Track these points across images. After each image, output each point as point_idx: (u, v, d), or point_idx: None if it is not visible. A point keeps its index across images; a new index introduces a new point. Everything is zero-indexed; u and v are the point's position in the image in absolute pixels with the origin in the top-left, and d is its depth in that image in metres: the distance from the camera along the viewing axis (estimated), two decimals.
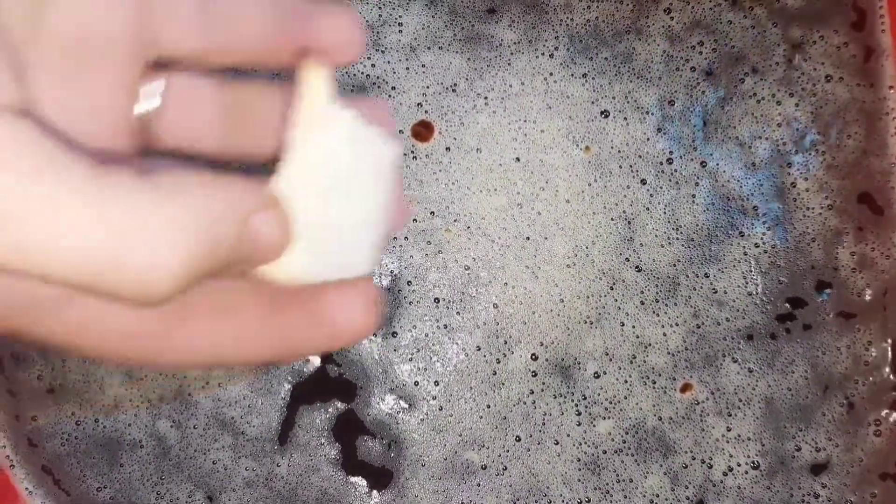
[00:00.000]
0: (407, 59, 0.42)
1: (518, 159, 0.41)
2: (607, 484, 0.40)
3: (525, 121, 0.42)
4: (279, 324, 0.29)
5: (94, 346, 0.27)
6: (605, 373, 0.40)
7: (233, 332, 0.29)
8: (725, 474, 0.40)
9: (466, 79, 0.42)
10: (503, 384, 0.41)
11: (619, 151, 0.42)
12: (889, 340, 0.41)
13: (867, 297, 0.41)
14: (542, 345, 0.40)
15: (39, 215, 0.21)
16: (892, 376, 0.41)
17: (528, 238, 0.41)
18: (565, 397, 0.40)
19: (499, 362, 0.41)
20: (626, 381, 0.40)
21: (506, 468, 0.40)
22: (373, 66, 0.42)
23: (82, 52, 0.27)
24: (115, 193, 0.22)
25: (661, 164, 0.42)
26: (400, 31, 0.42)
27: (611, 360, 0.40)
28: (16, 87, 0.26)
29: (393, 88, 0.42)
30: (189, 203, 0.23)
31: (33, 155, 0.21)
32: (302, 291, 0.29)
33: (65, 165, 0.21)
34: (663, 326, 0.41)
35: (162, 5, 0.27)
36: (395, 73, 0.42)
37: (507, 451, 0.41)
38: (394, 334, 0.41)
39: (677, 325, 0.41)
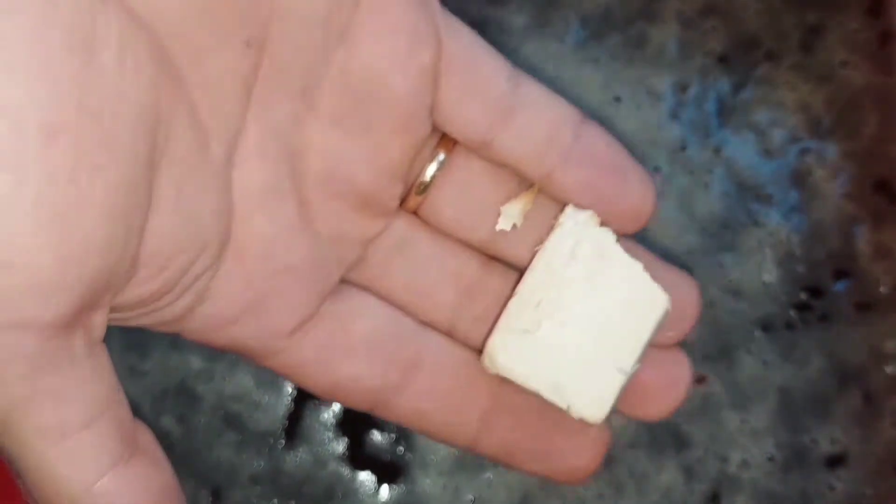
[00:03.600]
0: None
1: None
2: (620, 478, 0.39)
3: None
4: (499, 424, 0.30)
5: (321, 391, 0.30)
6: None
7: (449, 411, 0.30)
8: (740, 468, 0.40)
9: None
10: None
11: (632, 138, 0.41)
12: None
13: (885, 287, 0.41)
14: None
15: None
16: None
17: None
18: None
19: None
20: None
21: None
22: None
23: (365, 105, 0.27)
24: None
25: (675, 151, 0.41)
26: None
27: None
28: (292, 125, 0.27)
29: None
30: None
31: None
32: (535, 405, 0.30)
33: None
34: None
35: (462, 82, 0.28)
36: None
37: None
38: None
39: None
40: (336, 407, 0.41)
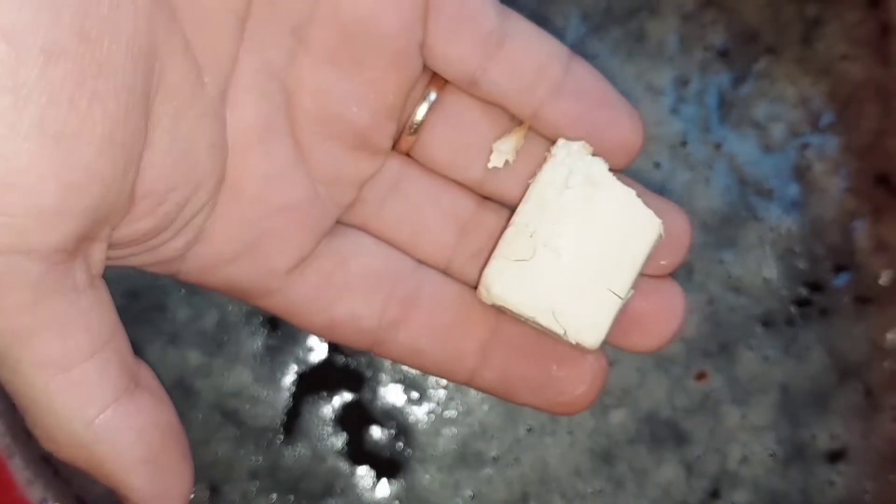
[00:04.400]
0: None
1: None
2: (620, 474, 0.39)
3: None
4: (497, 355, 0.30)
5: (318, 329, 0.30)
6: (618, 361, 0.40)
7: (447, 346, 0.30)
8: (741, 463, 0.40)
9: None
10: None
11: None
12: None
13: (884, 281, 0.41)
14: None
15: None
16: None
17: None
18: None
19: None
20: (639, 370, 0.40)
21: (517, 459, 0.40)
22: None
23: (357, 42, 0.27)
24: None
25: (675, 146, 0.41)
26: None
27: None
28: (285, 63, 0.27)
29: None
30: None
31: None
32: (532, 335, 0.30)
33: None
34: None
35: (451, 19, 0.28)
36: None
37: (519, 441, 0.40)
38: None
39: (692, 311, 0.40)
40: (335, 402, 0.41)
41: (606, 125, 0.29)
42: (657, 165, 0.41)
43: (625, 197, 0.28)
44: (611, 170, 0.28)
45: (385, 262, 0.30)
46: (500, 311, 0.30)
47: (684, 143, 0.41)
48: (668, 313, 0.30)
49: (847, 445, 0.40)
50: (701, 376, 0.40)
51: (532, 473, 0.40)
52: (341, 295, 0.29)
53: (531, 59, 0.29)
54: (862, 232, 0.41)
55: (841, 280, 0.41)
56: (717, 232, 0.41)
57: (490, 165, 0.30)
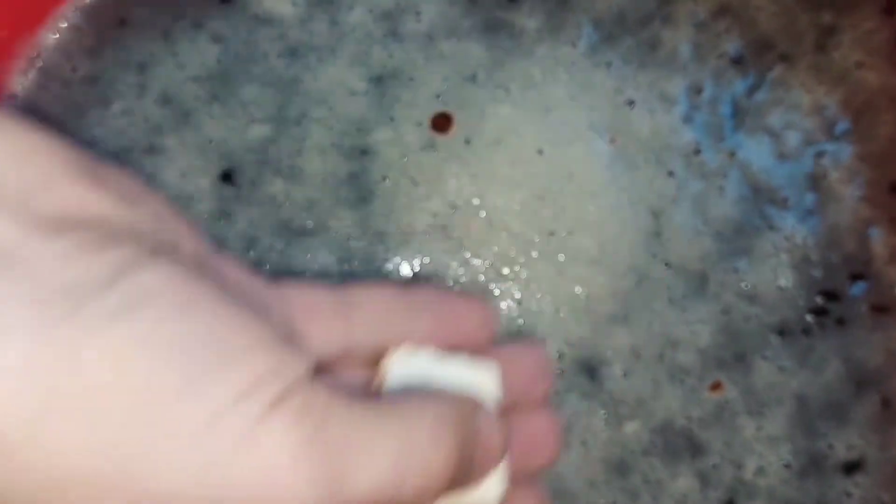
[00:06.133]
0: (425, 48, 0.42)
1: (541, 152, 0.41)
2: (635, 486, 0.39)
3: (547, 112, 0.41)
4: None
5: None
6: (632, 372, 0.40)
7: None
8: (756, 474, 0.39)
9: (486, 69, 0.42)
10: None
11: (646, 142, 0.41)
12: None
13: None
14: (567, 343, 0.39)
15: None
16: None
17: (551, 233, 0.40)
18: (592, 397, 0.39)
19: None
20: (653, 380, 0.39)
21: None
22: (390, 56, 0.42)
23: None
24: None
25: (689, 155, 0.41)
26: (418, 20, 0.42)
27: (638, 358, 0.40)
28: None
29: (411, 79, 0.41)
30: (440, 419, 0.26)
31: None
32: None
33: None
34: (692, 323, 0.40)
35: (302, 314, 0.31)
36: (412, 62, 0.42)
37: None
38: None
39: (706, 321, 0.40)
40: None
41: (460, 322, 0.33)
42: (671, 174, 0.41)
43: (456, 365, 0.32)
44: (436, 350, 0.32)
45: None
46: None
47: (698, 152, 0.41)
48: (546, 435, 0.34)
49: (864, 456, 0.39)
50: (716, 387, 0.40)
51: (545, 485, 0.39)
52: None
53: (377, 305, 0.32)
54: (878, 240, 0.41)
55: (857, 289, 0.41)
56: (732, 241, 0.41)
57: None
